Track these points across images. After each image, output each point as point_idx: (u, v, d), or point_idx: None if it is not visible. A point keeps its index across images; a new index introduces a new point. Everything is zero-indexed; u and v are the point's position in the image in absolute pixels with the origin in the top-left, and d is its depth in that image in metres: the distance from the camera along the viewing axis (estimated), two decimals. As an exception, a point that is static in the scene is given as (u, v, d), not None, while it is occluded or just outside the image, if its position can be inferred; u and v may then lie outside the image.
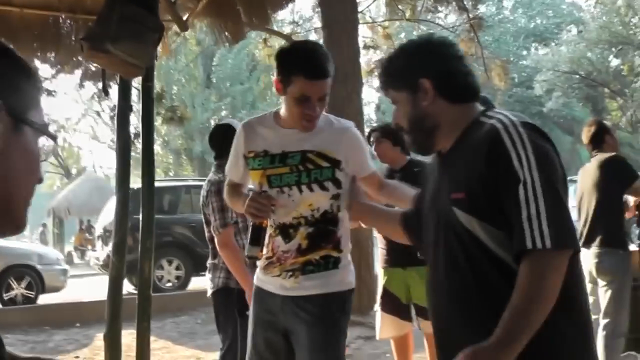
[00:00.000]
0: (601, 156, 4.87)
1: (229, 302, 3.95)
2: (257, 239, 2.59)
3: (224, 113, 31.88)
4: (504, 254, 1.67)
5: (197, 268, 11.17)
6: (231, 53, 31.02)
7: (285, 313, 2.60)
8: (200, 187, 12.78)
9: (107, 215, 10.94)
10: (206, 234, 4.09)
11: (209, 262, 4.12)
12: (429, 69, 1.85)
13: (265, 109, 26.46)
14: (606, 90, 25.85)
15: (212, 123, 31.55)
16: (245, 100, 31.91)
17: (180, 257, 11.00)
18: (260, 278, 2.72)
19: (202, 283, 11.39)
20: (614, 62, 24.76)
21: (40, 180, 1.01)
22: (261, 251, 2.62)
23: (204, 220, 4.06)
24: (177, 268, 11.14)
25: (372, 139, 4.84)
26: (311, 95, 2.45)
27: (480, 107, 1.90)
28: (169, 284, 11.32)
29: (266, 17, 4.42)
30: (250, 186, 2.78)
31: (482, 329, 1.65)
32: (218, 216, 3.85)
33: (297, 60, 2.48)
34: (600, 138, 5.07)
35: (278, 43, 14.41)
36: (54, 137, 1.04)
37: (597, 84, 24.27)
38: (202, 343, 7.39)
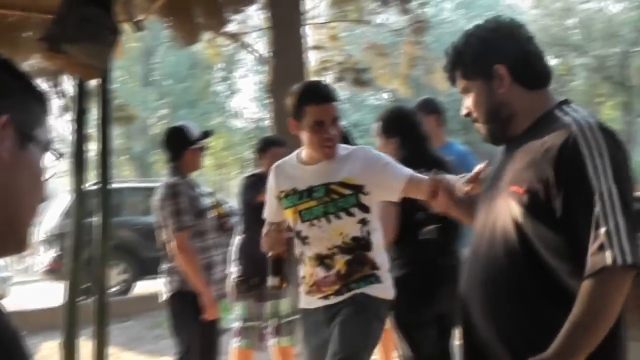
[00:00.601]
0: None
1: (184, 306, 3.93)
2: (277, 270, 2.79)
3: (164, 112, 31.41)
4: (550, 257, 1.64)
5: (143, 272, 10.95)
6: (171, 50, 30.61)
7: (328, 324, 2.71)
8: (143, 188, 12.66)
9: (50, 219, 10.57)
10: (161, 238, 4.06)
11: (164, 266, 4.08)
12: (504, 54, 1.78)
13: (205, 108, 26.33)
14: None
15: (152, 122, 31.12)
16: (185, 98, 31.52)
17: (125, 260, 10.75)
18: (304, 301, 2.87)
19: (148, 287, 11.22)
20: (552, 62, 25.48)
21: (44, 199, 0.99)
22: (282, 280, 2.79)
23: (157, 224, 4.03)
24: (122, 272, 10.91)
25: None
26: (324, 118, 2.63)
27: (555, 97, 1.83)
28: (114, 289, 11.06)
29: (223, 20, 4.40)
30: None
31: (503, 322, 1.70)
32: (174, 220, 3.85)
33: (305, 92, 2.70)
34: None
35: (224, 43, 14.35)
36: (59, 156, 1.03)
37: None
38: (151, 348, 7.28)
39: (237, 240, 4.68)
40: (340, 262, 2.67)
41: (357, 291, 2.68)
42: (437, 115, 4.45)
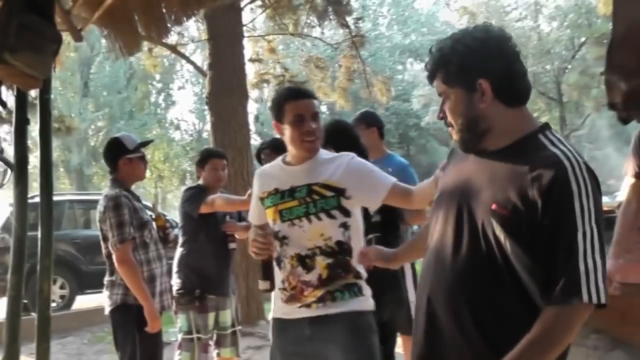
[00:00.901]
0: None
1: (127, 319, 3.94)
2: (266, 274, 2.71)
3: (101, 124, 30.91)
4: (523, 275, 1.70)
5: (82, 286, 10.75)
6: (108, 60, 30.16)
7: (313, 341, 2.64)
8: (82, 201, 12.44)
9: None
10: (103, 250, 4.05)
11: (107, 279, 4.07)
12: (490, 69, 1.77)
13: (142, 119, 26.09)
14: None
15: (90, 134, 30.57)
16: (123, 109, 31.15)
17: (64, 275, 10.50)
18: (282, 310, 2.77)
19: (88, 302, 10.99)
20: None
21: None
22: (272, 284, 2.71)
23: (101, 237, 4.01)
24: (61, 287, 10.64)
25: (262, 156, 4.91)
26: (303, 112, 2.65)
27: (533, 118, 1.85)
28: (54, 304, 10.78)
29: (166, 30, 4.37)
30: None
31: (470, 328, 1.74)
32: (116, 232, 3.85)
33: (284, 92, 2.76)
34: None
35: (163, 53, 14.23)
36: (10, 165, 1.02)
37: (471, 98, 25.60)
38: (93, 363, 7.15)
39: (178, 252, 4.67)
40: (321, 265, 2.63)
41: (344, 309, 2.63)
42: (376, 128, 4.55)
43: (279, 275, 2.74)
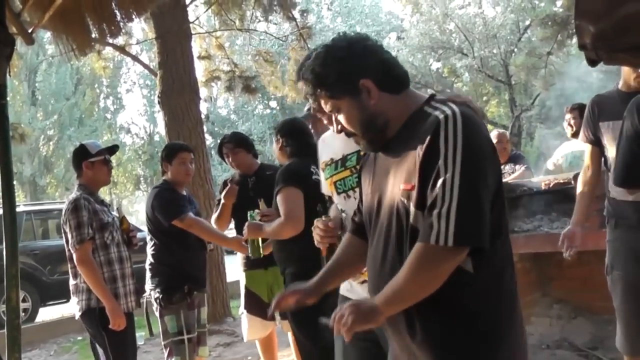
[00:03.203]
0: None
1: (93, 322, 3.99)
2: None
3: (51, 132, 30.31)
4: None
5: (44, 298, 10.56)
6: (53, 67, 29.59)
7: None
8: (40, 211, 12.19)
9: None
10: (67, 253, 4.07)
11: (71, 283, 4.09)
12: (365, 68, 1.85)
13: (93, 125, 25.58)
14: (429, 91, 27.46)
15: (41, 143, 29.91)
16: (72, 116, 30.60)
17: (25, 288, 10.24)
18: (345, 286, 2.60)
19: (51, 313, 10.81)
20: (435, 65, 26.42)
21: None
22: None
23: (64, 240, 4.06)
24: (23, 300, 10.44)
25: (225, 150, 4.89)
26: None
27: (421, 94, 1.93)
28: (15, 318, 10.54)
29: (117, 29, 4.31)
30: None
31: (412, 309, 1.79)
32: (75, 233, 3.92)
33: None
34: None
35: (112, 55, 14.04)
36: None
37: (421, 85, 25.65)
38: (61, 373, 7.05)
39: (151, 253, 4.56)
40: None
41: None
42: None
43: None
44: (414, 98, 1.91)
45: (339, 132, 2.01)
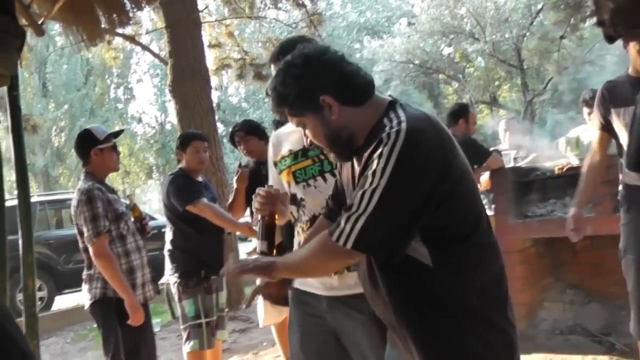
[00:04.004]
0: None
1: (108, 312, 3.89)
2: (266, 235, 2.50)
3: (63, 123, 30.46)
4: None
5: (60, 287, 10.68)
6: (64, 58, 29.67)
7: (333, 315, 2.51)
8: (53, 202, 12.27)
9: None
10: (80, 245, 3.97)
11: (85, 273, 4.00)
12: (324, 84, 1.85)
13: (104, 116, 25.63)
14: (441, 76, 27.42)
15: (53, 134, 30.11)
16: (83, 107, 30.71)
17: (41, 277, 10.37)
18: (302, 281, 2.61)
19: (67, 302, 10.92)
20: (447, 50, 26.27)
21: None
22: (270, 246, 2.47)
23: (76, 231, 3.95)
24: (39, 289, 10.55)
25: (236, 138, 4.93)
26: None
27: (385, 101, 1.92)
28: (33, 307, 10.67)
29: (127, 18, 4.33)
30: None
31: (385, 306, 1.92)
32: (90, 226, 3.78)
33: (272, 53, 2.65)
34: (454, 120, 5.57)
35: (122, 45, 14.08)
36: None
37: (433, 71, 25.60)
38: (77, 361, 7.13)
39: (168, 239, 4.62)
40: None
41: (361, 291, 2.35)
42: None
43: (295, 242, 2.64)
44: (377, 106, 1.90)
45: (309, 145, 2.06)
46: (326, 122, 1.88)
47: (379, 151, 1.72)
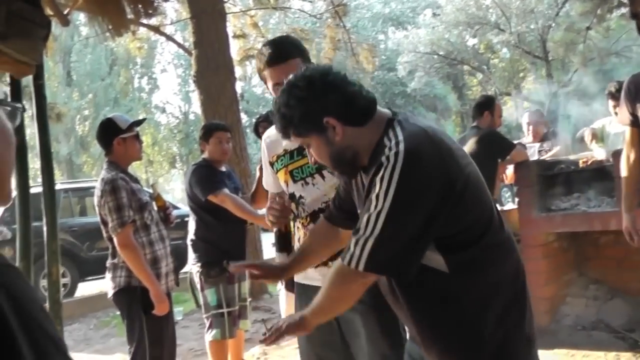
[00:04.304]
0: (478, 131, 5.34)
1: (132, 301, 3.87)
2: (283, 245, 2.62)
3: (87, 112, 30.75)
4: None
5: (83, 274, 10.79)
6: (88, 48, 29.92)
7: None
8: (77, 189, 12.34)
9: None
10: (104, 234, 3.94)
11: (109, 262, 3.98)
12: (327, 106, 1.87)
13: (128, 105, 25.80)
14: (465, 67, 27.26)
15: (77, 123, 30.42)
16: (107, 96, 30.98)
17: (64, 263, 10.47)
18: (302, 276, 2.64)
19: (90, 288, 11.05)
20: (471, 41, 26.08)
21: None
22: (290, 256, 2.54)
23: (100, 220, 3.91)
24: (63, 275, 10.68)
25: (260, 129, 4.94)
26: (281, 80, 2.38)
27: (385, 117, 1.93)
28: (56, 293, 10.81)
29: (153, 8, 4.35)
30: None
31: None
32: (115, 216, 3.75)
33: (260, 56, 2.55)
34: (480, 112, 5.54)
35: (147, 35, 14.14)
36: (19, 108, 1.03)
37: (457, 62, 25.44)
38: (101, 347, 7.21)
39: (191, 229, 4.65)
40: None
41: None
42: None
43: (296, 238, 2.65)
44: (378, 124, 1.91)
45: (314, 164, 2.10)
46: (330, 142, 1.91)
47: (380, 174, 1.75)
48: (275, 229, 2.67)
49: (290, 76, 1.97)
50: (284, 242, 2.64)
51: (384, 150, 1.79)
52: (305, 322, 2.00)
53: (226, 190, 4.50)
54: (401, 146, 1.75)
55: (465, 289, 1.86)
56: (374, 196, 1.76)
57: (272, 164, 2.74)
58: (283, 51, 2.49)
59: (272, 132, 2.79)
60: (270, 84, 2.52)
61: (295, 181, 2.62)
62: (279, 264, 2.39)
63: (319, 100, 1.88)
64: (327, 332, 2.53)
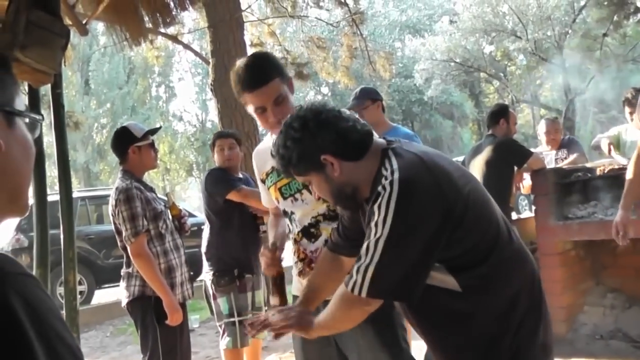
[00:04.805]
0: (494, 139, 5.33)
1: (146, 310, 3.83)
2: (276, 289, 2.61)
3: (104, 120, 31.00)
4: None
5: (99, 281, 10.85)
6: (106, 57, 30.20)
7: None
8: (94, 197, 12.39)
9: (2, 235, 10.26)
10: (119, 243, 3.90)
11: (123, 270, 3.94)
12: (322, 145, 1.91)
13: (145, 114, 25.95)
14: (482, 75, 27.20)
15: (94, 131, 30.68)
16: (125, 105, 31.25)
17: (81, 271, 10.54)
18: (296, 286, 2.67)
19: (107, 296, 11.11)
20: (488, 48, 26.05)
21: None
22: (283, 299, 2.60)
23: (114, 229, 3.87)
24: (79, 283, 10.74)
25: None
26: (263, 104, 2.43)
27: (380, 147, 1.96)
28: (72, 300, 10.89)
29: (171, 18, 4.39)
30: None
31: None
32: (129, 225, 3.72)
33: (237, 79, 2.47)
34: (495, 120, 5.53)
35: (165, 44, 14.25)
36: (39, 119, 1.04)
37: (474, 69, 25.40)
38: (117, 355, 7.24)
39: (205, 237, 4.64)
40: (326, 231, 2.51)
41: None
42: (380, 102, 4.60)
43: (292, 252, 2.67)
44: (375, 155, 1.95)
45: (318, 199, 2.17)
46: (329, 179, 1.95)
47: (377, 203, 1.79)
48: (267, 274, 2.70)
49: (287, 117, 2.02)
50: (276, 286, 2.63)
51: (381, 179, 1.83)
52: (310, 329, 2.09)
53: (245, 186, 4.51)
54: (396, 175, 1.80)
55: (479, 305, 1.89)
56: (373, 224, 1.80)
57: (263, 181, 2.76)
58: (262, 74, 2.42)
59: (260, 148, 2.82)
60: (251, 107, 2.48)
61: (284, 198, 2.62)
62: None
63: (314, 139, 1.92)
64: (324, 344, 2.54)
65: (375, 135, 2.04)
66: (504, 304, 1.89)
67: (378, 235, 1.78)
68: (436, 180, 1.81)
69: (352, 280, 1.84)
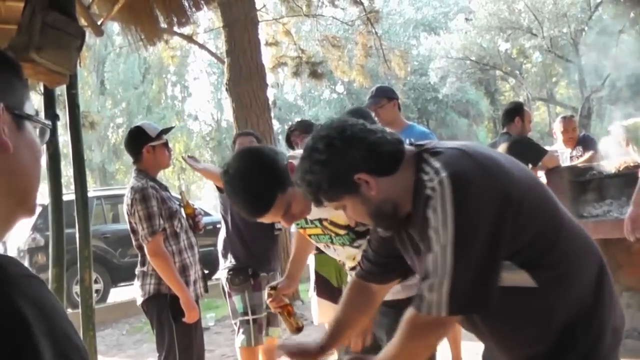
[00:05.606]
0: (509, 137, 5.32)
1: (162, 308, 3.87)
2: (285, 320, 2.90)
3: (120, 120, 31.16)
4: None
5: (115, 280, 10.93)
6: (121, 57, 30.34)
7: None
8: (110, 196, 12.50)
9: (19, 234, 10.29)
10: (134, 242, 3.94)
11: (138, 269, 3.98)
12: (354, 163, 1.74)
13: (161, 113, 26.03)
14: (498, 72, 27.08)
15: (110, 131, 30.87)
16: (140, 105, 31.37)
17: (96, 269, 10.63)
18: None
19: (122, 294, 11.18)
20: (504, 46, 25.89)
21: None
22: (297, 327, 2.85)
23: (129, 229, 3.91)
24: (95, 281, 10.82)
25: (292, 137, 4.97)
26: (274, 220, 2.38)
27: (412, 153, 1.79)
28: (88, 299, 10.97)
29: (186, 18, 4.41)
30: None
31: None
32: (145, 225, 3.75)
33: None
34: (510, 118, 5.52)
35: (180, 44, 14.31)
36: (48, 125, 1.05)
37: (489, 67, 25.27)
38: (133, 353, 7.30)
39: (222, 235, 4.67)
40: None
41: (391, 298, 2.41)
42: (396, 101, 4.61)
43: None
44: (409, 165, 1.77)
45: (355, 225, 2.10)
46: (366, 200, 1.76)
47: (430, 208, 1.63)
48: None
49: (307, 140, 1.84)
50: (284, 318, 2.88)
51: (424, 184, 1.67)
52: None
53: None
54: (442, 173, 1.63)
55: (558, 297, 1.75)
56: (431, 232, 1.63)
57: None
58: (260, 205, 2.23)
59: None
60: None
61: (315, 242, 2.70)
62: (314, 342, 2.21)
63: (344, 158, 1.74)
64: None
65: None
66: (580, 289, 1.76)
67: (442, 241, 1.61)
68: (484, 169, 1.66)
69: (425, 302, 1.65)
